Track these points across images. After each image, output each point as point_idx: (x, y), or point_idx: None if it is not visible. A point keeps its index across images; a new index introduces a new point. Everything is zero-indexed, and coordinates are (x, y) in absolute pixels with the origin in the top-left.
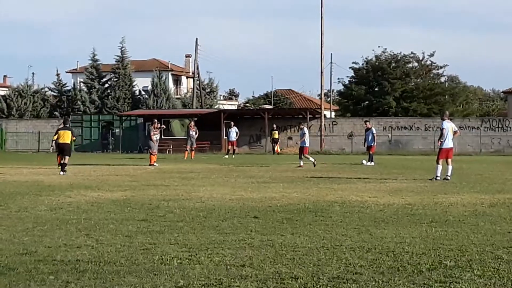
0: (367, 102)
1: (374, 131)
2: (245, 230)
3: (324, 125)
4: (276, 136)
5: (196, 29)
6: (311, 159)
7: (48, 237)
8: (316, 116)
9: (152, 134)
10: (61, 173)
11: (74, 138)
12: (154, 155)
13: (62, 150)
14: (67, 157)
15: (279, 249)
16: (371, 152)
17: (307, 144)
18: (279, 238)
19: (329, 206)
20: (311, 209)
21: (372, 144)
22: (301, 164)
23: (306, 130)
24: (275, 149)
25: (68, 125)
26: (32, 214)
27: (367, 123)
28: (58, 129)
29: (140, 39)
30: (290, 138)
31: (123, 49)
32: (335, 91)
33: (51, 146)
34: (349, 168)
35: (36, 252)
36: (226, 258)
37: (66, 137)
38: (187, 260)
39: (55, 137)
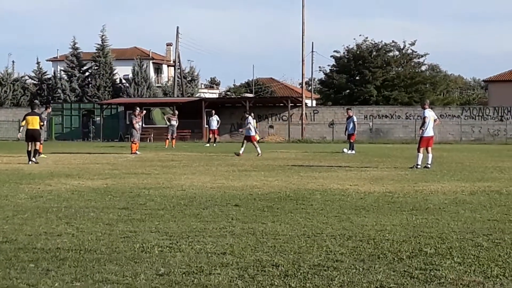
0: (348, 91)
1: (355, 120)
2: (226, 218)
3: (305, 113)
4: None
5: (178, 18)
6: (258, 149)
7: (29, 225)
8: (297, 104)
9: (134, 122)
10: (29, 162)
11: (42, 124)
12: (135, 144)
13: (31, 136)
14: (37, 143)
15: (260, 237)
16: (351, 141)
17: (253, 133)
18: (260, 226)
19: (310, 194)
20: (292, 197)
21: (353, 133)
22: (241, 152)
23: (251, 119)
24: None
25: (36, 110)
26: (12, 203)
27: (349, 111)
28: (26, 115)
29: (121, 27)
30: (271, 126)
31: (103, 37)
32: (316, 79)
33: (19, 132)
34: (330, 156)
35: (16, 240)
36: (207, 246)
37: (35, 122)
38: (168, 248)
39: (23, 123)
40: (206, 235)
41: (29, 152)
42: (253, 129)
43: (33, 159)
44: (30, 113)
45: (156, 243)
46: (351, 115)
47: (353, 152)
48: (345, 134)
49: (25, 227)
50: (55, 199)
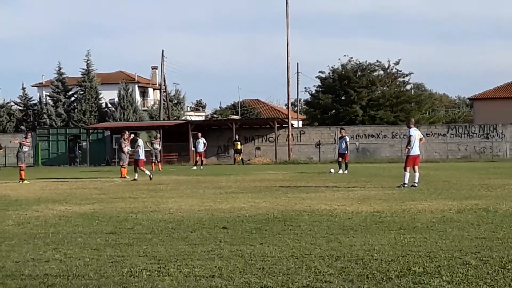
0: (334, 111)
1: (348, 140)
2: (214, 240)
3: (292, 134)
4: (239, 146)
5: (162, 42)
6: (147, 172)
7: (16, 252)
8: (284, 125)
9: (123, 146)
10: None
11: (2, 149)
12: (125, 168)
13: None
14: None
15: (248, 259)
16: (346, 161)
17: (142, 157)
18: (248, 248)
19: (298, 215)
20: (280, 219)
21: (346, 152)
22: (136, 177)
23: (140, 141)
24: (237, 159)
25: None
26: None
27: (342, 130)
28: None
29: (106, 52)
30: (258, 148)
31: (88, 62)
32: (302, 100)
33: None
34: (318, 177)
35: (4, 267)
36: (195, 269)
37: None
38: (156, 272)
39: None
40: (195, 258)
41: None
42: (141, 153)
43: None
44: None
45: (144, 267)
46: (343, 135)
47: (346, 172)
48: (338, 153)
49: (12, 254)
50: (42, 225)
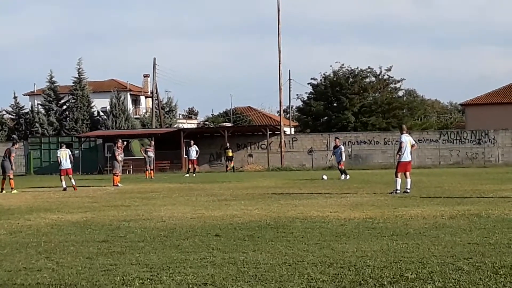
0: (326, 118)
1: (343, 149)
2: (207, 248)
3: (284, 141)
4: (230, 154)
5: (154, 49)
6: (69, 182)
7: (8, 261)
8: (276, 132)
9: (117, 154)
10: None
11: None
12: (117, 176)
13: None
14: None
15: (241, 267)
16: (342, 168)
17: (65, 166)
18: (241, 255)
19: (290, 222)
20: (273, 226)
21: (340, 160)
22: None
23: (60, 151)
24: (228, 166)
25: None
26: None
27: (337, 140)
28: None
29: (97, 60)
30: (250, 155)
31: (80, 70)
32: (294, 107)
33: None
34: (310, 183)
35: None
36: (188, 277)
37: None
38: (148, 280)
39: None
40: (187, 266)
41: None
42: (64, 163)
43: None
44: None
45: (137, 275)
46: (338, 144)
47: (348, 177)
48: (333, 162)
49: (4, 263)
50: (35, 234)
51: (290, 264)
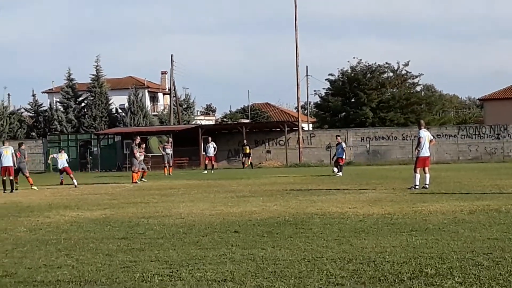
0: (344, 114)
1: (344, 146)
2: (226, 244)
3: (302, 137)
4: (248, 151)
5: (171, 46)
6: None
7: (28, 258)
8: (294, 128)
9: (135, 151)
10: None
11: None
12: (136, 173)
13: None
14: None
15: (260, 263)
16: (341, 164)
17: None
18: (260, 251)
19: (309, 218)
20: (291, 222)
21: (342, 156)
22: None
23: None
24: (246, 163)
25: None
26: (12, 236)
27: (338, 138)
28: None
29: (115, 57)
30: (268, 151)
31: (98, 67)
32: (312, 103)
33: None
34: (329, 179)
35: (16, 273)
36: (207, 273)
37: None
38: (168, 276)
39: None
40: (206, 262)
41: None
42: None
43: None
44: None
45: (156, 272)
46: (339, 141)
47: (340, 174)
48: (332, 160)
49: (24, 260)
50: (54, 231)
51: (309, 260)
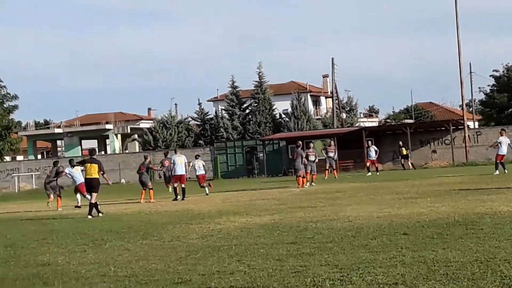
0: (511, 110)
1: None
2: (395, 247)
3: (468, 135)
4: (404, 152)
5: (331, 49)
6: (207, 190)
7: (201, 265)
8: (459, 127)
9: (295, 155)
10: (89, 216)
11: (103, 172)
12: (302, 177)
13: (89, 186)
14: (95, 194)
15: (431, 265)
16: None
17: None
18: (431, 253)
19: (479, 218)
20: (461, 222)
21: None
22: (207, 192)
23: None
24: (405, 165)
25: (95, 157)
26: (185, 243)
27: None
28: (85, 162)
29: (276, 63)
30: (434, 151)
31: (260, 74)
32: (476, 100)
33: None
34: (498, 178)
35: (191, 280)
36: (378, 277)
37: (93, 171)
38: (339, 281)
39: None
40: (376, 265)
41: (90, 205)
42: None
43: (94, 213)
44: (88, 160)
45: (327, 276)
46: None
47: (497, 172)
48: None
49: (198, 267)
50: (225, 237)
51: (482, 261)
